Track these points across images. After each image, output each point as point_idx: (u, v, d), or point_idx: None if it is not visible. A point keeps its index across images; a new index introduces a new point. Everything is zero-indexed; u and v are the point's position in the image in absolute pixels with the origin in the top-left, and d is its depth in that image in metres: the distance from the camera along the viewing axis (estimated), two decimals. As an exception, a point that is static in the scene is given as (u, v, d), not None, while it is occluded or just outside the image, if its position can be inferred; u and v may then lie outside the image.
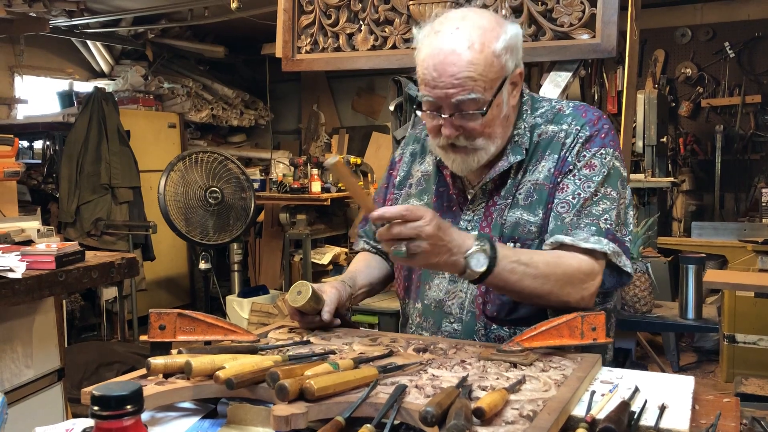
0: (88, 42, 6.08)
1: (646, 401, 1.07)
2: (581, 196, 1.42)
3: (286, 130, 7.71)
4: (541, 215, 1.45)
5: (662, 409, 1.04)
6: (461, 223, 1.51)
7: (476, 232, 1.45)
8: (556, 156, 1.46)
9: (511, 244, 1.45)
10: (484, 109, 1.38)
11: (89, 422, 1.04)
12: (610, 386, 1.15)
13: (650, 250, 4.53)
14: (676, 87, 6.26)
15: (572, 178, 1.44)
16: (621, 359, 2.86)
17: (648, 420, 1.01)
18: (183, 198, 4.81)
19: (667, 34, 6.21)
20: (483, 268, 1.28)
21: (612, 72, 6.42)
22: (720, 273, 3.88)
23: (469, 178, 1.54)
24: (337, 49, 2.62)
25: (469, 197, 1.53)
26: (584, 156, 1.44)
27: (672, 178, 5.43)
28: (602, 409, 1.04)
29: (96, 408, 0.63)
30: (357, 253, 1.81)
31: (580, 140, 1.45)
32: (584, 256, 1.39)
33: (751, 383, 3.56)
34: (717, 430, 1.02)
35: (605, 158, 1.44)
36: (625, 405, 1.01)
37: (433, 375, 1.16)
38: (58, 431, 1.00)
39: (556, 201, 1.44)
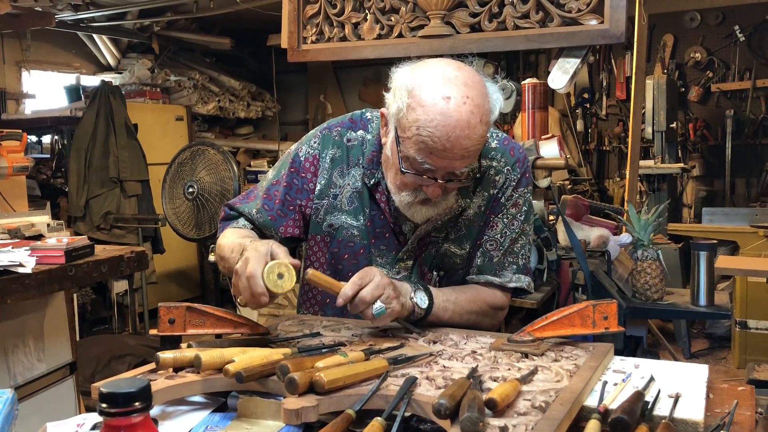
0: (95, 36, 6.08)
1: (659, 391, 1.05)
2: (507, 235, 1.54)
3: (294, 121, 7.70)
4: (467, 249, 1.54)
5: (676, 398, 1.03)
6: (398, 254, 1.52)
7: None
8: (487, 194, 1.52)
9: (435, 273, 1.54)
10: (478, 175, 1.42)
11: (99, 417, 1.04)
12: (623, 376, 1.14)
13: (660, 236, 4.51)
14: (686, 72, 6.20)
15: (501, 217, 1.53)
16: (632, 347, 2.85)
17: (662, 410, 1.00)
18: (168, 192, 4.87)
19: (675, 18, 6.15)
20: (426, 304, 1.40)
21: (620, 58, 6.37)
22: (732, 259, 3.85)
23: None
24: (343, 38, 2.60)
25: (405, 229, 1.51)
26: (512, 196, 1.53)
27: (682, 164, 5.39)
28: (615, 399, 1.03)
29: (104, 405, 0.62)
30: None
31: (512, 184, 1.52)
32: (498, 291, 1.56)
33: (763, 369, 3.54)
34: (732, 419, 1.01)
35: (526, 196, 1.55)
36: (638, 395, 1.00)
37: (444, 366, 1.15)
38: (69, 426, 1.00)
39: (485, 238, 1.54)
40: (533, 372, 1.10)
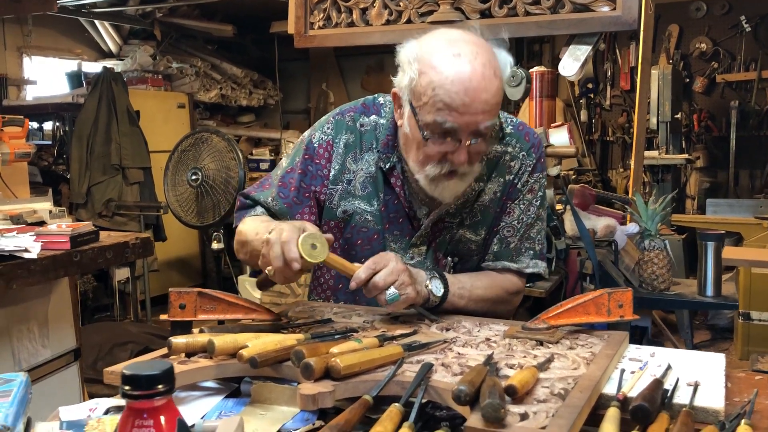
0: (96, 22, 6.03)
1: (678, 379, 1.04)
2: (524, 221, 1.53)
3: (296, 110, 7.66)
4: (483, 235, 1.53)
5: (695, 386, 1.02)
6: (411, 239, 1.51)
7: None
8: (502, 180, 1.51)
9: (450, 259, 1.53)
10: (501, 133, 1.40)
11: (111, 402, 1.03)
12: (639, 364, 1.13)
13: (664, 227, 4.49)
14: (691, 62, 6.17)
15: (518, 203, 1.52)
16: (637, 337, 2.85)
17: (681, 398, 0.99)
18: (171, 179, 4.86)
19: (681, 8, 6.11)
20: (441, 292, 1.39)
21: (625, 48, 6.33)
22: (738, 250, 3.84)
23: (420, 194, 1.48)
24: (351, 24, 2.57)
25: (420, 214, 1.49)
26: (528, 182, 1.52)
27: (686, 155, 5.37)
28: (633, 387, 1.02)
29: (127, 388, 0.61)
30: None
31: (528, 169, 1.51)
32: (515, 277, 1.54)
33: (767, 361, 3.54)
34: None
35: (542, 181, 1.55)
36: (657, 383, 0.99)
37: (459, 353, 1.14)
38: (81, 411, 0.99)
39: (502, 224, 1.53)
40: (550, 359, 1.09)
